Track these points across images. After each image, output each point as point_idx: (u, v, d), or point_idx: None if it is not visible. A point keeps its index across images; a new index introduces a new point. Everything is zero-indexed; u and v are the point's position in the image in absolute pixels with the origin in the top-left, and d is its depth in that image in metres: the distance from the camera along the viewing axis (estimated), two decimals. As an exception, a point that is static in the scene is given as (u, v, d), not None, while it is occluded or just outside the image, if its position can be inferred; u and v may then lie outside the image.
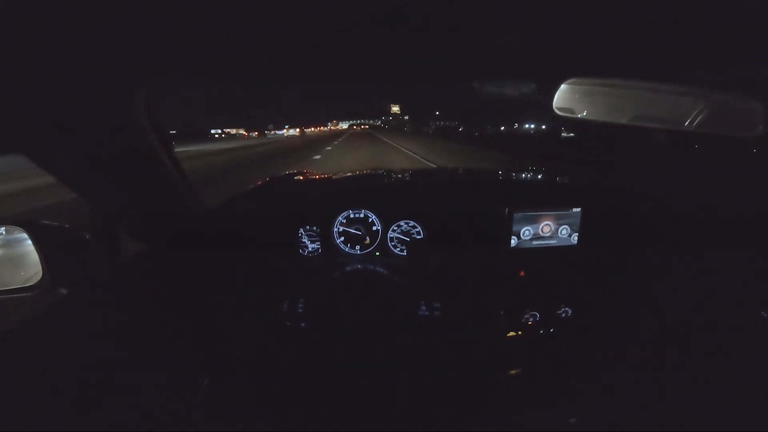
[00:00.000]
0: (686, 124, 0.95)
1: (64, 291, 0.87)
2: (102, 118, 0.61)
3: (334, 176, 1.51)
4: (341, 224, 1.26)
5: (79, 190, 0.74)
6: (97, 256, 0.87)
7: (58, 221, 0.88)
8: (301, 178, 1.52)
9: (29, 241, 0.84)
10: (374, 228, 1.27)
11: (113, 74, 0.57)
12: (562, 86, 0.84)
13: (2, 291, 0.86)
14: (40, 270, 0.84)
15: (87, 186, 0.74)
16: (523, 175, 1.58)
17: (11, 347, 0.79)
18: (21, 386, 0.75)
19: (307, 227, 1.24)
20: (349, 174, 1.59)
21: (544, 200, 1.26)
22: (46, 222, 0.86)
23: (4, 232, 0.85)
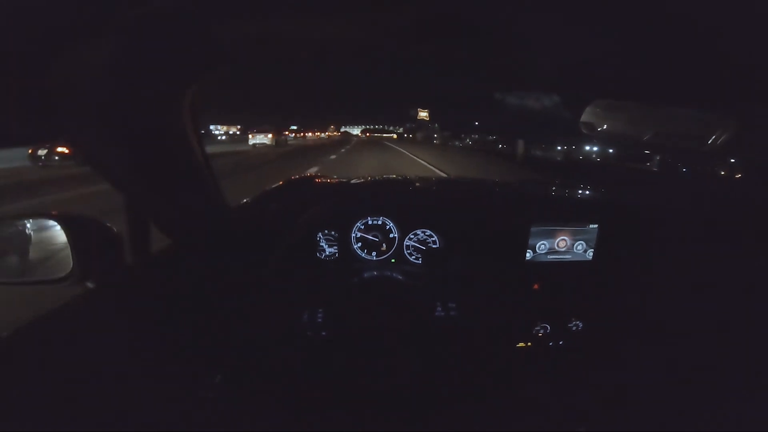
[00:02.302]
0: (709, 142, 0.96)
1: (92, 284, 0.89)
2: (150, 118, 0.64)
3: (353, 181, 1.53)
4: (359, 230, 1.27)
5: (118, 183, 0.76)
6: (127, 251, 0.89)
7: (92, 215, 0.90)
8: (322, 181, 1.54)
9: (62, 234, 0.86)
10: (391, 235, 1.28)
11: (166, 77, 0.59)
12: (591, 103, 0.86)
13: (33, 282, 0.88)
14: (71, 262, 0.86)
15: (127, 180, 0.77)
16: (542, 189, 1.59)
17: (36, 337, 0.81)
18: (39, 377, 0.76)
19: (326, 231, 1.25)
20: (368, 180, 1.61)
21: (561, 215, 1.27)
22: (79, 215, 0.88)
23: (37, 224, 0.87)
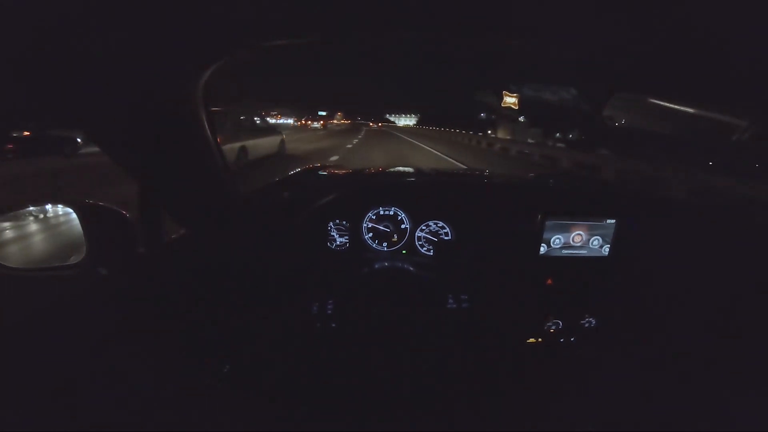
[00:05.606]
0: (734, 138, 0.93)
1: (104, 271, 0.89)
2: (163, 104, 0.62)
3: (365, 172, 1.51)
4: (370, 220, 1.26)
5: (132, 170, 0.76)
6: (140, 238, 0.89)
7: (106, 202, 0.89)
8: (333, 171, 1.52)
9: (76, 220, 0.86)
10: (403, 226, 1.27)
11: (179, 63, 0.58)
12: (614, 96, 0.83)
13: (46, 268, 0.88)
14: (84, 249, 0.86)
15: (141, 167, 0.76)
16: (558, 183, 1.56)
17: (49, 323, 0.81)
18: (48, 364, 0.77)
19: (337, 221, 1.24)
20: (380, 170, 1.59)
21: (577, 209, 1.24)
22: (93, 202, 0.88)
23: (52, 210, 0.87)
